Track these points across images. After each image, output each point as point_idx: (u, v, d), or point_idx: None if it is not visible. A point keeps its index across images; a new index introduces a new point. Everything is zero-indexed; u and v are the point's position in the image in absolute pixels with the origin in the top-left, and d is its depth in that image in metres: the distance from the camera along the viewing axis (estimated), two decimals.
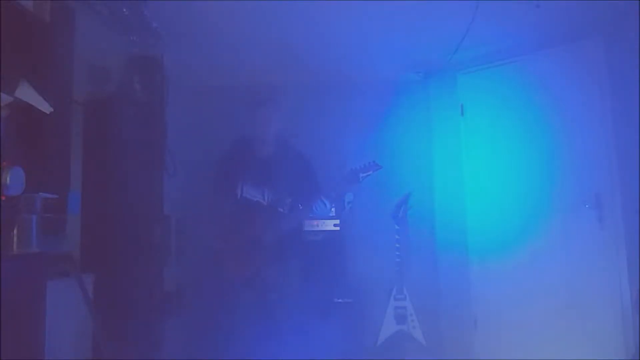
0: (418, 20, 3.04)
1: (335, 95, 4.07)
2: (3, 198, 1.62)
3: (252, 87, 4.09)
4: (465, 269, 3.68)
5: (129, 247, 2.61)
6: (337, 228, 3.78)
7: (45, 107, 1.84)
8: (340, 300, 3.63)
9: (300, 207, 3.16)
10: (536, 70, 3.41)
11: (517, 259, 3.34)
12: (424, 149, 4.02)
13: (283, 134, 3.22)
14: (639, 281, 2.83)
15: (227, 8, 2.82)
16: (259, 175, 3.17)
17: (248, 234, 3.13)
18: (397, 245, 3.62)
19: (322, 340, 3.20)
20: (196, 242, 3.63)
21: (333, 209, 3.73)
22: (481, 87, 3.70)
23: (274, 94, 3.30)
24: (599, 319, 3.00)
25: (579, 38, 3.20)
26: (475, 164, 3.72)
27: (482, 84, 3.69)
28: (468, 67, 3.74)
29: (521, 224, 3.37)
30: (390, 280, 3.67)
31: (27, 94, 1.77)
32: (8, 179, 1.61)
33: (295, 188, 3.17)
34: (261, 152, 3.21)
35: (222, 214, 3.22)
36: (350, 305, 3.65)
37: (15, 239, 1.75)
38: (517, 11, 2.91)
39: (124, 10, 2.45)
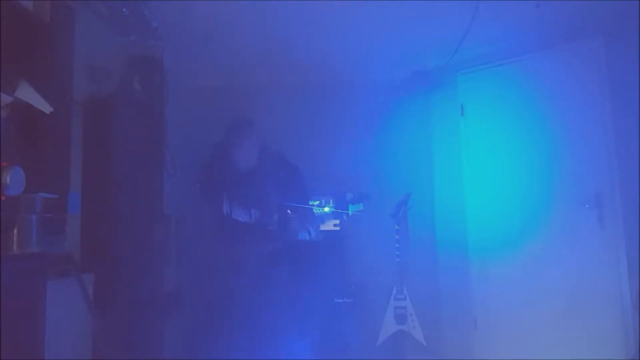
0: (418, 20, 3.04)
1: (336, 95, 4.07)
2: (3, 198, 1.62)
3: (251, 87, 4.11)
4: (465, 269, 3.68)
5: (129, 247, 2.60)
6: (337, 228, 3.79)
7: (45, 107, 1.84)
8: (340, 300, 3.63)
9: (290, 216, 3.17)
10: (536, 70, 3.41)
11: (517, 259, 3.34)
12: (424, 149, 4.03)
13: (264, 150, 3.21)
14: (639, 281, 2.83)
15: (227, 8, 2.82)
16: (244, 195, 3.15)
17: (238, 254, 3.14)
18: (397, 245, 3.62)
19: (322, 340, 3.20)
20: (196, 242, 3.63)
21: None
22: (481, 87, 3.70)
23: (251, 117, 3.28)
24: (599, 319, 3.00)
25: (579, 38, 3.20)
26: (475, 164, 3.72)
27: (482, 84, 3.69)
28: (468, 67, 3.74)
29: (521, 224, 3.37)
30: (390, 280, 3.67)
31: (27, 94, 1.77)
32: (8, 179, 1.61)
33: (282, 200, 3.18)
34: (244, 172, 3.18)
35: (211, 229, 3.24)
36: (350, 305, 3.65)
37: (15, 239, 1.75)
38: (517, 11, 2.92)
39: (124, 10, 2.45)
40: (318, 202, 3.80)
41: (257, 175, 3.16)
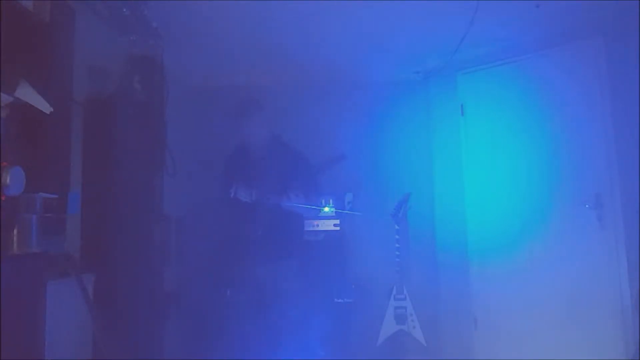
0: (418, 20, 3.04)
1: (336, 95, 4.08)
2: (3, 198, 1.62)
3: (250, 87, 4.11)
4: (465, 269, 3.68)
5: (129, 247, 2.60)
6: (337, 228, 3.78)
7: (45, 107, 1.84)
8: (340, 300, 3.63)
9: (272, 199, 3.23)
10: (536, 70, 3.41)
11: (517, 259, 3.34)
12: (424, 149, 4.03)
13: (265, 135, 3.28)
14: (639, 281, 2.83)
15: (227, 8, 2.82)
16: (249, 178, 3.23)
17: (240, 233, 3.18)
18: (397, 245, 3.62)
19: (322, 340, 3.20)
20: (196, 242, 3.63)
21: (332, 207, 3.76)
22: (481, 87, 3.70)
23: (257, 98, 3.37)
24: (598, 319, 3.00)
25: (579, 38, 3.20)
26: (475, 164, 3.72)
27: (482, 84, 3.69)
28: (468, 67, 3.75)
29: (521, 224, 3.38)
30: (390, 280, 3.67)
31: (27, 94, 1.76)
32: (8, 179, 1.61)
33: (277, 184, 3.23)
34: (249, 154, 3.28)
35: (219, 217, 3.29)
36: (351, 305, 3.65)
37: (15, 239, 1.75)
38: (517, 11, 2.92)
39: (124, 10, 2.45)
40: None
41: (264, 159, 3.26)
